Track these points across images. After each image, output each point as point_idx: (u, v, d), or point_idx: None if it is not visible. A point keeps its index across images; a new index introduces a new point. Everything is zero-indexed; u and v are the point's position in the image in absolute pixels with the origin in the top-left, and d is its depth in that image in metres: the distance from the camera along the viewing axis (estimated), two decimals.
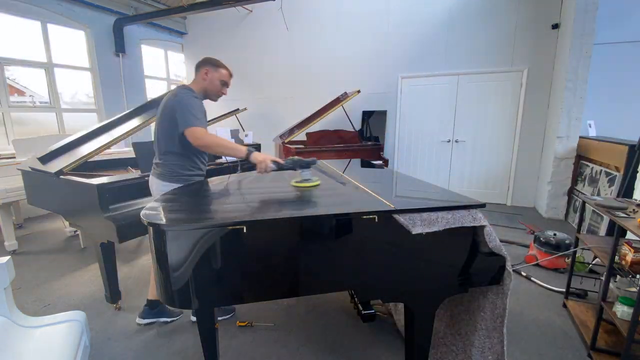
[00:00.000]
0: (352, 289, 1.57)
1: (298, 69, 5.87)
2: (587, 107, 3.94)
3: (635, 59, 3.96)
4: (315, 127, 4.70)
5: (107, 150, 2.74)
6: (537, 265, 2.79)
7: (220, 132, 4.34)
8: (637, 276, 1.58)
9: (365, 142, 4.85)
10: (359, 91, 4.76)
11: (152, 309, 2.09)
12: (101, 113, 5.28)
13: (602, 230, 3.01)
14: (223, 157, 3.06)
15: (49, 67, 4.59)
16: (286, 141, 4.50)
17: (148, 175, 1.94)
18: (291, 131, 4.64)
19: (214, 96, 1.96)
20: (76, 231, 3.66)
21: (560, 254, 2.66)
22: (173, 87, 6.46)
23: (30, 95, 4.61)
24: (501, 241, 1.47)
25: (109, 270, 2.22)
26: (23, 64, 4.39)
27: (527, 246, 3.13)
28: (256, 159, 1.66)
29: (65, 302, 2.38)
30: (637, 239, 1.62)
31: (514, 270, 2.21)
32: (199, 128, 1.69)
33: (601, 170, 3.43)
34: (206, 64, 1.84)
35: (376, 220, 1.20)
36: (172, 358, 1.80)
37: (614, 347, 1.71)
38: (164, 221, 1.17)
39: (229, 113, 5.48)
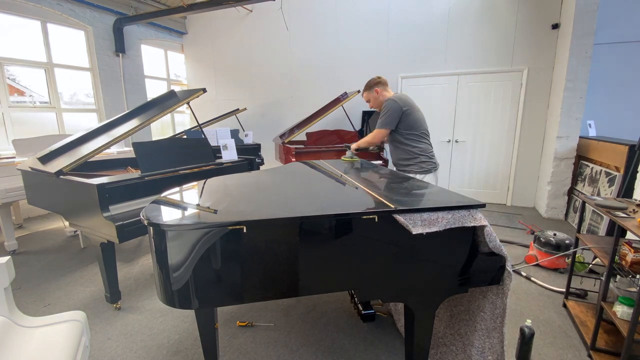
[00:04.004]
0: (352, 289, 1.58)
1: (298, 69, 5.87)
2: (587, 107, 3.94)
3: (635, 59, 3.96)
4: (315, 127, 4.70)
5: (107, 150, 2.74)
6: (537, 265, 2.79)
7: (220, 132, 4.35)
8: (637, 276, 1.58)
9: None
10: (359, 91, 4.75)
11: None
12: (101, 113, 5.28)
13: (602, 230, 3.01)
14: (223, 157, 3.06)
15: (49, 67, 4.59)
16: (286, 141, 4.50)
17: (148, 175, 1.95)
18: (291, 131, 4.64)
19: None
20: (76, 231, 3.67)
21: (560, 254, 2.66)
22: (173, 87, 6.51)
23: (30, 95, 4.61)
24: (501, 241, 1.47)
25: (109, 270, 2.22)
26: (23, 64, 4.39)
27: (527, 246, 3.13)
28: None
29: (65, 302, 2.38)
30: (637, 239, 1.63)
31: (514, 270, 2.21)
32: None
33: (601, 170, 3.43)
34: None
35: (376, 220, 1.20)
36: (172, 358, 1.80)
37: (614, 347, 1.71)
38: (164, 221, 1.17)
39: (229, 113, 5.48)
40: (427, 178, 2.32)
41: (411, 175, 2.23)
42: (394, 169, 2.50)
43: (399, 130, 2.37)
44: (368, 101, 2.57)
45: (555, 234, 2.78)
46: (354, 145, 2.58)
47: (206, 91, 2.85)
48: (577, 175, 4.04)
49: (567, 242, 2.70)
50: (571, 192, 4.07)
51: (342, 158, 2.60)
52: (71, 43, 4.94)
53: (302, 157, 4.10)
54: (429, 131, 2.45)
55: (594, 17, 3.63)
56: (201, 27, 6.46)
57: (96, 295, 2.45)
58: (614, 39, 3.99)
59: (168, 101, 2.82)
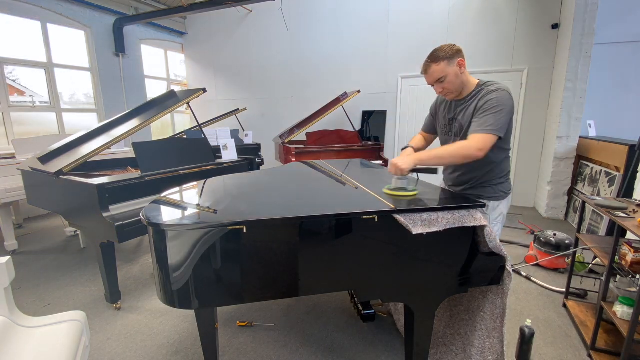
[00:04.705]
0: (352, 289, 1.57)
1: (298, 69, 5.87)
2: (587, 107, 3.94)
3: (635, 59, 3.96)
4: (315, 127, 4.69)
5: (107, 150, 2.74)
6: (537, 265, 2.79)
7: (220, 132, 4.35)
8: (637, 276, 1.58)
9: (365, 142, 4.85)
10: (359, 91, 4.76)
11: None
12: (101, 113, 5.28)
13: (602, 230, 3.01)
14: (223, 157, 3.05)
15: (49, 67, 4.59)
16: (286, 141, 4.50)
17: (148, 175, 1.94)
18: (291, 131, 4.64)
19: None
20: (76, 231, 3.66)
21: (560, 254, 2.66)
22: (173, 87, 6.50)
23: (30, 95, 4.61)
24: (501, 241, 1.47)
25: (109, 270, 2.22)
26: (23, 64, 4.39)
27: (527, 246, 3.13)
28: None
29: (65, 302, 2.38)
30: (637, 239, 1.62)
31: (514, 270, 2.21)
32: None
33: (601, 170, 3.43)
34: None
35: (376, 220, 1.20)
36: (172, 358, 1.80)
37: (614, 347, 1.71)
38: (164, 221, 1.17)
39: (229, 113, 5.49)
40: (502, 205, 1.59)
41: (483, 201, 1.42)
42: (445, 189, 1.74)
43: None
44: (439, 80, 1.55)
45: (555, 234, 2.78)
46: (434, 156, 1.47)
47: (206, 91, 2.85)
48: (577, 175, 4.04)
49: (567, 242, 2.70)
50: (571, 192, 4.07)
51: (386, 190, 1.47)
52: (71, 43, 4.94)
53: (302, 157, 4.10)
54: None
55: (594, 17, 3.63)
56: (201, 27, 6.46)
57: (96, 295, 2.45)
58: (614, 39, 3.99)
59: (168, 101, 2.82)
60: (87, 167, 2.86)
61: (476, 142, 1.39)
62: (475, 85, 1.55)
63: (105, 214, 2.01)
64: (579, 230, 2.15)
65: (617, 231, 1.61)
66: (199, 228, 1.13)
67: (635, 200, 2.00)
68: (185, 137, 4.46)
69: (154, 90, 6.19)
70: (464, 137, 1.51)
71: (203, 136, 3.03)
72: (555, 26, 4.21)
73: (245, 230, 1.13)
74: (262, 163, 5.05)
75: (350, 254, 1.24)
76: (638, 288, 1.50)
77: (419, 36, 4.96)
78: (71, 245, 3.49)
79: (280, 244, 1.20)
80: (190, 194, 1.69)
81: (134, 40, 5.68)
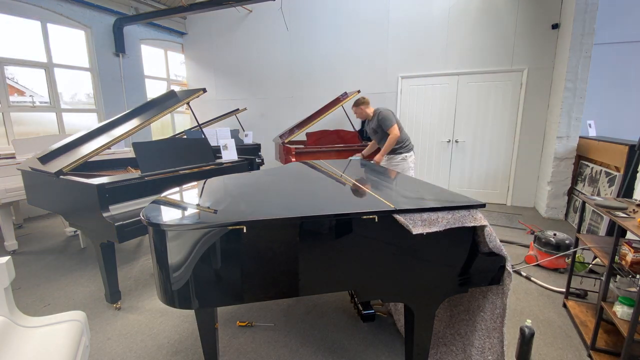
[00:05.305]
0: (352, 289, 1.57)
1: (298, 69, 5.87)
2: (587, 107, 3.94)
3: (635, 59, 3.96)
4: (315, 127, 4.70)
5: (107, 150, 2.74)
6: (537, 265, 2.79)
7: (220, 132, 4.35)
8: (637, 276, 1.58)
9: (366, 142, 4.84)
10: (359, 91, 4.76)
11: None
12: (101, 113, 5.28)
13: (602, 230, 3.01)
14: (223, 157, 3.05)
15: (49, 67, 4.59)
16: (286, 141, 4.50)
17: (148, 175, 1.94)
18: (291, 131, 4.64)
19: None
20: (76, 231, 3.67)
21: (560, 254, 2.66)
22: (173, 87, 6.50)
23: (30, 95, 4.61)
24: (501, 241, 1.47)
25: (109, 270, 2.22)
26: (23, 64, 4.39)
27: (527, 246, 3.13)
28: None
29: (65, 302, 2.38)
30: (637, 239, 1.63)
31: (514, 270, 2.21)
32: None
33: (601, 170, 3.43)
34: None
35: (376, 220, 1.21)
36: (172, 358, 1.80)
37: (614, 347, 1.71)
38: (164, 221, 1.17)
39: (228, 113, 5.49)
40: (409, 156, 3.35)
41: (404, 154, 3.34)
42: (384, 159, 3.39)
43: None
44: (355, 113, 3.52)
45: (555, 234, 2.77)
46: (385, 149, 3.27)
47: (206, 91, 2.85)
48: (577, 175, 4.04)
49: (567, 242, 2.70)
50: (571, 192, 4.07)
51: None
52: (71, 43, 4.94)
53: (302, 157, 4.10)
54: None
55: (594, 17, 3.63)
56: (201, 27, 6.46)
57: (96, 295, 2.45)
58: (614, 38, 3.99)
59: (168, 101, 2.82)
60: (87, 167, 2.86)
61: (392, 133, 3.23)
62: (373, 112, 3.39)
63: (105, 214, 2.01)
64: (579, 230, 2.15)
65: (617, 231, 1.61)
66: (199, 228, 1.13)
67: (635, 200, 2.00)
68: (185, 137, 4.46)
69: (154, 90, 6.19)
70: (378, 135, 3.40)
71: (203, 136, 3.03)
72: (555, 26, 4.21)
73: (245, 231, 1.13)
74: (262, 163, 5.05)
75: (350, 254, 1.24)
76: (638, 288, 1.50)
77: (419, 36, 4.96)
78: (71, 245, 3.49)
79: (280, 244, 1.20)
80: (190, 194, 1.69)
81: (134, 40, 5.68)
